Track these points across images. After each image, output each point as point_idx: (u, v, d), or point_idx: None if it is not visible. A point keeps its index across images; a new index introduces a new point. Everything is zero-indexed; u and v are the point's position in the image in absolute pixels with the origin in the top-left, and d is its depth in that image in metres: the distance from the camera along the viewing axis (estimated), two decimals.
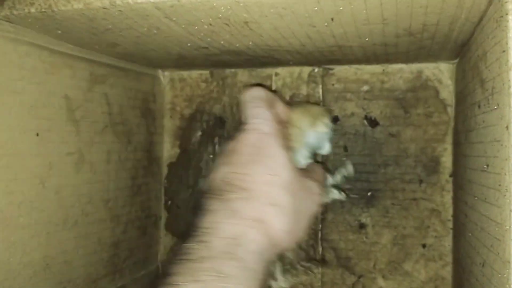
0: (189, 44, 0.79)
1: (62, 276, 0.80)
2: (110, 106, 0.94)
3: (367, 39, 0.75)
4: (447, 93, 0.99)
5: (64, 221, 0.81)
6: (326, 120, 0.81)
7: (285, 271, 0.92)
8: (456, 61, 0.95)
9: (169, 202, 1.16)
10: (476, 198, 0.64)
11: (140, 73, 1.05)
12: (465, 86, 0.77)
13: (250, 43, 0.78)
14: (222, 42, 0.77)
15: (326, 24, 0.66)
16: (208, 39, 0.75)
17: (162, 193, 1.16)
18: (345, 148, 1.04)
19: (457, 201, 0.87)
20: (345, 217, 1.05)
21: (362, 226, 1.04)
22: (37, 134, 0.75)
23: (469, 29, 0.70)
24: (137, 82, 1.03)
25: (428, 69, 1.00)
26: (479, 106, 0.63)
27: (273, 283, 0.95)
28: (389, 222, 1.02)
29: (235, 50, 0.84)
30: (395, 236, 1.02)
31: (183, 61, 0.97)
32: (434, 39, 0.75)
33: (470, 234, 0.69)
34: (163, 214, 1.16)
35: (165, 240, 1.15)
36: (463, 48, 0.83)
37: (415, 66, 1.00)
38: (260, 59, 0.93)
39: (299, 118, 0.75)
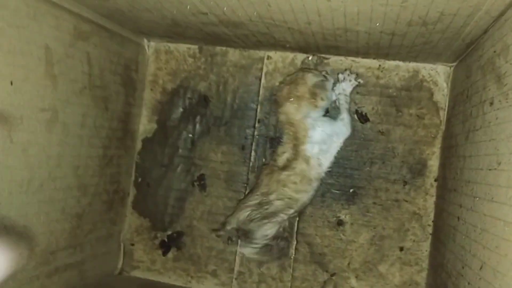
0: (188, 7, 0.74)
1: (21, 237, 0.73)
2: (91, 67, 0.87)
3: (377, 24, 0.71)
4: (441, 96, 0.96)
5: (29, 182, 0.74)
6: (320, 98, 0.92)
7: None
8: (454, 64, 0.93)
9: (140, 179, 1.09)
10: (477, 199, 0.62)
11: (126, 38, 0.98)
12: (470, 86, 0.74)
13: (255, 13, 0.73)
14: (225, 8, 0.72)
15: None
16: (211, 3, 0.70)
17: (133, 169, 1.09)
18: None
19: (445, 205, 0.84)
20: (324, 212, 1.01)
21: (340, 223, 1.00)
22: (11, 83, 0.67)
23: (483, 26, 0.67)
24: (121, 48, 0.97)
25: (425, 69, 0.97)
26: (491, 103, 0.60)
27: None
28: (369, 222, 0.99)
29: (235, 21, 0.79)
30: (373, 236, 0.99)
31: (174, 29, 0.91)
32: (444, 33, 0.73)
33: (464, 237, 0.66)
34: (132, 191, 1.09)
35: (130, 218, 1.09)
36: (467, 49, 0.80)
37: (412, 65, 0.98)
38: (257, 36, 0.89)
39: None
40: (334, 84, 0.97)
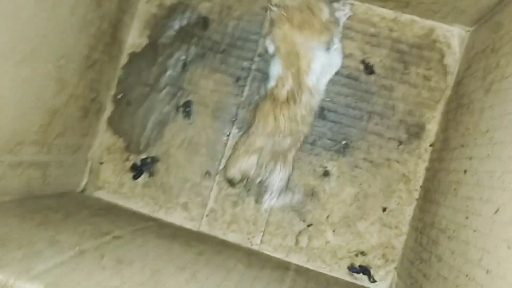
0: None
1: None
2: None
3: None
4: (452, 60, 0.93)
5: (11, 51, 0.65)
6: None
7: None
8: (471, 28, 0.90)
9: (120, 96, 1.01)
10: (498, 144, 0.58)
11: None
12: (500, 39, 0.70)
13: None
14: None
15: None
16: None
17: (114, 83, 1.01)
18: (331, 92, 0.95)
19: (443, 165, 0.81)
20: (311, 160, 0.96)
21: (326, 173, 0.95)
22: None
23: None
24: None
25: (441, 29, 0.93)
26: None
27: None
28: (356, 177, 0.95)
29: None
30: (358, 192, 0.94)
31: None
32: None
33: (473, 187, 0.63)
34: (109, 107, 1.01)
35: (103, 135, 1.00)
36: (494, 7, 0.77)
37: (428, 23, 0.93)
38: None
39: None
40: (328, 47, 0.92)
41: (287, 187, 0.92)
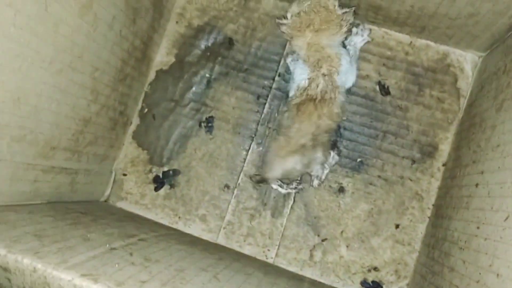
0: None
1: (27, 120, 0.69)
2: None
3: None
4: (465, 84, 0.97)
5: (51, 62, 0.70)
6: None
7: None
8: (483, 54, 0.94)
9: (146, 110, 1.06)
10: (508, 157, 0.61)
11: None
12: (510, 61, 0.74)
13: None
14: None
15: None
16: None
17: (141, 98, 1.06)
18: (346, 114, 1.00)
19: (455, 182, 0.84)
20: (327, 176, 0.99)
21: (341, 190, 0.99)
22: None
23: None
24: None
25: (454, 54, 0.97)
26: None
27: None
28: (370, 194, 0.98)
29: None
30: (372, 209, 0.97)
31: None
32: (496, 4, 0.73)
33: (484, 199, 0.66)
34: (135, 121, 1.06)
35: (128, 148, 1.05)
36: (507, 33, 0.81)
37: (442, 48, 0.98)
38: None
39: None
40: (346, 38, 0.96)
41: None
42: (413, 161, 0.97)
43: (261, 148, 1.01)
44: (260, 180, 0.98)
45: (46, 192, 0.80)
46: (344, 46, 0.95)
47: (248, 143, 1.02)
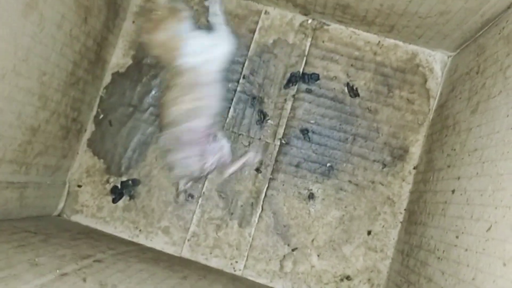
0: None
1: None
2: None
3: None
4: (434, 84, 0.94)
5: None
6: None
7: None
8: (453, 54, 0.92)
9: (101, 116, 0.99)
10: (487, 163, 0.58)
11: None
12: (483, 61, 0.72)
13: None
14: None
15: None
16: None
17: (96, 103, 0.99)
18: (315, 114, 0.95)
19: (428, 186, 0.81)
20: (296, 183, 0.95)
21: (311, 196, 0.94)
22: None
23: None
24: None
25: (423, 54, 0.95)
26: None
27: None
28: (341, 200, 0.94)
29: None
30: (343, 215, 0.94)
31: None
32: (468, 1, 0.70)
33: (463, 206, 0.62)
34: (90, 128, 0.98)
35: (82, 157, 0.98)
36: (477, 32, 0.79)
37: (411, 48, 0.95)
38: None
39: None
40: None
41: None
42: (384, 165, 0.94)
43: None
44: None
45: None
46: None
47: None
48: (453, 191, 0.68)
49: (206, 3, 0.96)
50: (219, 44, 0.91)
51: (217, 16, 0.94)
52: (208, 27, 0.94)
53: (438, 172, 0.78)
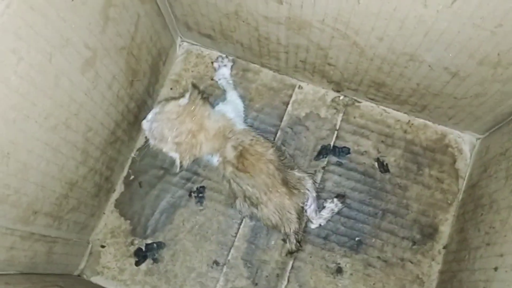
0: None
1: (14, 178, 0.62)
2: (136, 31, 0.81)
3: (450, 55, 0.71)
4: (463, 165, 0.96)
5: (47, 117, 0.64)
6: None
7: None
8: (482, 136, 0.94)
9: (132, 177, 0.99)
10: None
11: (166, 25, 0.94)
12: None
13: (332, 12, 0.71)
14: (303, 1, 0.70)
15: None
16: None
17: (127, 164, 0.99)
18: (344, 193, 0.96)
19: (463, 265, 0.79)
20: (324, 255, 0.93)
21: (339, 270, 0.93)
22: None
23: None
24: (162, 30, 0.92)
25: (452, 135, 0.97)
26: None
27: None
28: (369, 276, 0.92)
29: (304, 21, 0.77)
30: None
31: (225, 24, 0.88)
32: (506, 84, 0.73)
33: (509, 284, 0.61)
34: (119, 188, 0.99)
35: (108, 217, 0.97)
36: (509, 116, 0.81)
37: (440, 128, 0.98)
38: (306, 54, 0.87)
39: None
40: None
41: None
42: (414, 242, 0.93)
43: (253, 222, 0.95)
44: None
45: (21, 261, 0.71)
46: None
47: (240, 216, 0.96)
48: (495, 268, 0.67)
49: (218, 76, 1.00)
50: (232, 110, 0.92)
51: (228, 85, 0.98)
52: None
53: (474, 250, 0.77)
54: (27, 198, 0.67)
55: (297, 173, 0.90)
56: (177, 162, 0.84)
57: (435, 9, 0.62)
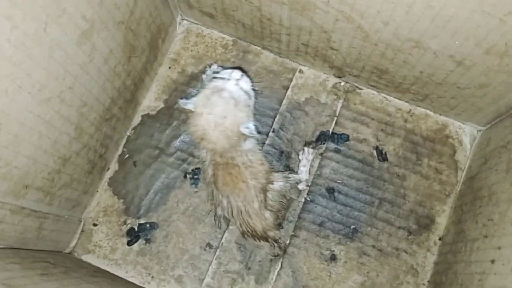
0: None
1: (5, 150, 0.60)
2: (135, 5, 0.79)
3: (456, 42, 0.69)
4: (463, 156, 0.95)
5: (40, 89, 0.62)
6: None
7: None
8: (483, 128, 0.93)
9: (126, 156, 0.98)
10: None
11: (167, 3, 0.92)
12: None
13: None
14: None
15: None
16: None
17: (122, 143, 0.98)
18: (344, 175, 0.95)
19: (460, 257, 0.79)
20: (318, 242, 0.92)
21: (333, 257, 0.92)
22: None
23: None
24: (162, 7, 0.90)
25: (453, 126, 0.96)
26: None
27: None
28: (363, 264, 0.91)
29: (308, 0, 0.75)
30: (365, 281, 0.91)
31: (227, 3, 0.86)
32: None
33: (506, 276, 0.60)
34: (113, 167, 0.97)
35: (101, 196, 0.95)
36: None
37: (441, 118, 0.96)
38: (308, 37, 0.85)
39: None
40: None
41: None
42: (409, 232, 0.92)
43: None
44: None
45: (11, 236, 0.69)
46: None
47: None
48: (492, 261, 0.66)
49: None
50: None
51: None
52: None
53: (472, 242, 0.76)
54: (18, 171, 0.65)
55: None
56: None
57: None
